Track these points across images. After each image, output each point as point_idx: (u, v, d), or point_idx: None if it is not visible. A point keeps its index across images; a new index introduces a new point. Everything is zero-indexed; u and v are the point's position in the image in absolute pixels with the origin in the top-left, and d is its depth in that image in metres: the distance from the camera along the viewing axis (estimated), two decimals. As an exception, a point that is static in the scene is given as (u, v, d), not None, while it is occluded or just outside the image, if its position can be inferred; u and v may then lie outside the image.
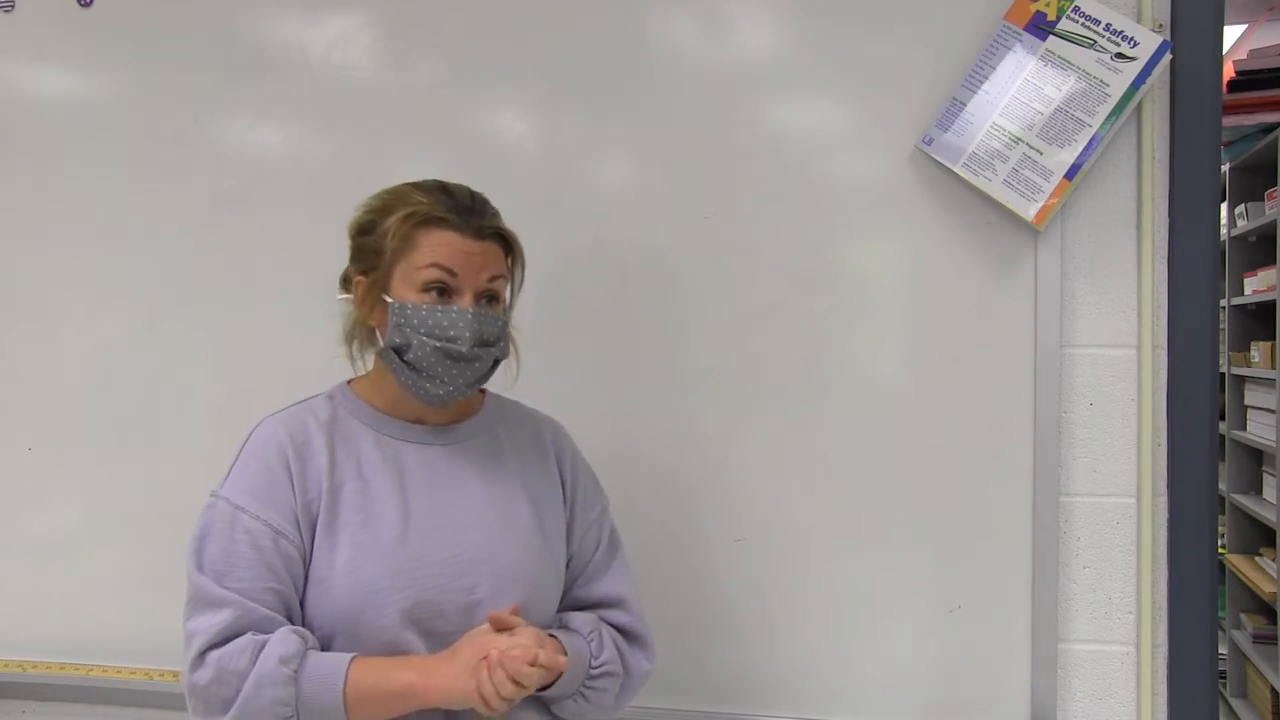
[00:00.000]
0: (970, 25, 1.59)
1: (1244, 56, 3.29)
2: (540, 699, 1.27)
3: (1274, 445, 3.14)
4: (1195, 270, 1.57)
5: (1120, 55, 1.53)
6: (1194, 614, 1.58)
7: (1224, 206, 3.50)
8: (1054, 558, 1.59)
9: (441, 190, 1.27)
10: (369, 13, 1.76)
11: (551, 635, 1.27)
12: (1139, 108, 1.56)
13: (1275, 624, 3.23)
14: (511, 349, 1.34)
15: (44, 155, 1.86)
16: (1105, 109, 1.53)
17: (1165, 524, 1.59)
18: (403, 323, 1.24)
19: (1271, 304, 3.21)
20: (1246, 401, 3.53)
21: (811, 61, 1.65)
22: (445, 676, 1.17)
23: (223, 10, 1.79)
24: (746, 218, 1.66)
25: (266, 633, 1.17)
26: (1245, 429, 3.53)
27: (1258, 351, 3.33)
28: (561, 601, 1.36)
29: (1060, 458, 1.60)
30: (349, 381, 1.35)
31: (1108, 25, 1.54)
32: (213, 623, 1.17)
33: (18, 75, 1.87)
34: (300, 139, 1.79)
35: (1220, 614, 3.29)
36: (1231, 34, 4.04)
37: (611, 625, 1.35)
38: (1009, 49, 1.57)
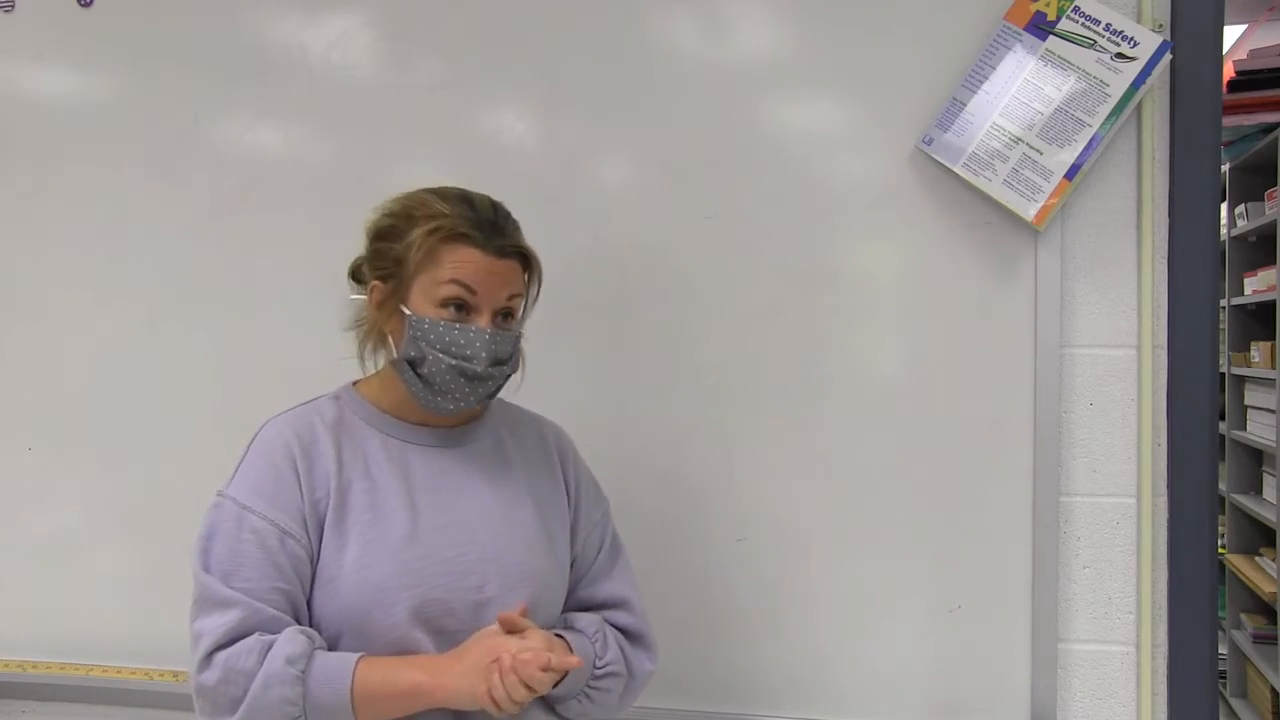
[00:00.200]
0: (970, 25, 1.59)
1: (1244, 56, 3.29)
2: (545, 698, 1.27)
3: (1274, 445, 3.14)
4: (1195, 270, 1.57)
5: (1120, 55, 1.53)
6: (1194, 614, 1.58)
7: (1224, 206, 3.50)
8: (1054, 558, 1.59)
9: (465, 202, 1.26)
10: (369, 13, 1.76)
11: (558, 636, 1.27)
12: (1139, 108, 1.56)
13: (1275, 624, 3.23)
14: (520, 362, 1.34)
15: (44, 155, 1.86)
16: (1105, 109, 1.53)
17: (1165, 524, 1.59)
18: (419, 336, 1.24)
19: (1271, 304, 3.21)
20: (1246, 401, 3.53)
21: (811, 61, 1.65)
22: (454, 676, 1.17)
23: (223, 10, 1.79)
24: (746, 218, 1.66)
25: (273, 633, 1.17)
26: (1245, 429, 3.53)
27: (1258, 351, 3.33)
28: (565, 603, 1.36)
29: (1060, 458, 1.60)
30: (355, 383, 1.35)
31: (1108, 25, 1.54)
32: (220, 623, 1.17)
33: (18, 75, 1.87)
34: (300, 139, 1.79)
35: (1220, 614, 3.29)
36: (1231, 34, 4.03)
37: (616, 626, 1.35)
38: (1009, 49, 1.57)
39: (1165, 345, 1.58)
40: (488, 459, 1.33)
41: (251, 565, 1.19)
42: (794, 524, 1.66)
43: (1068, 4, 1.55)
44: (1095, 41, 1.54)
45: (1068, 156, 1.54)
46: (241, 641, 1.16)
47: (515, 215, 1.31)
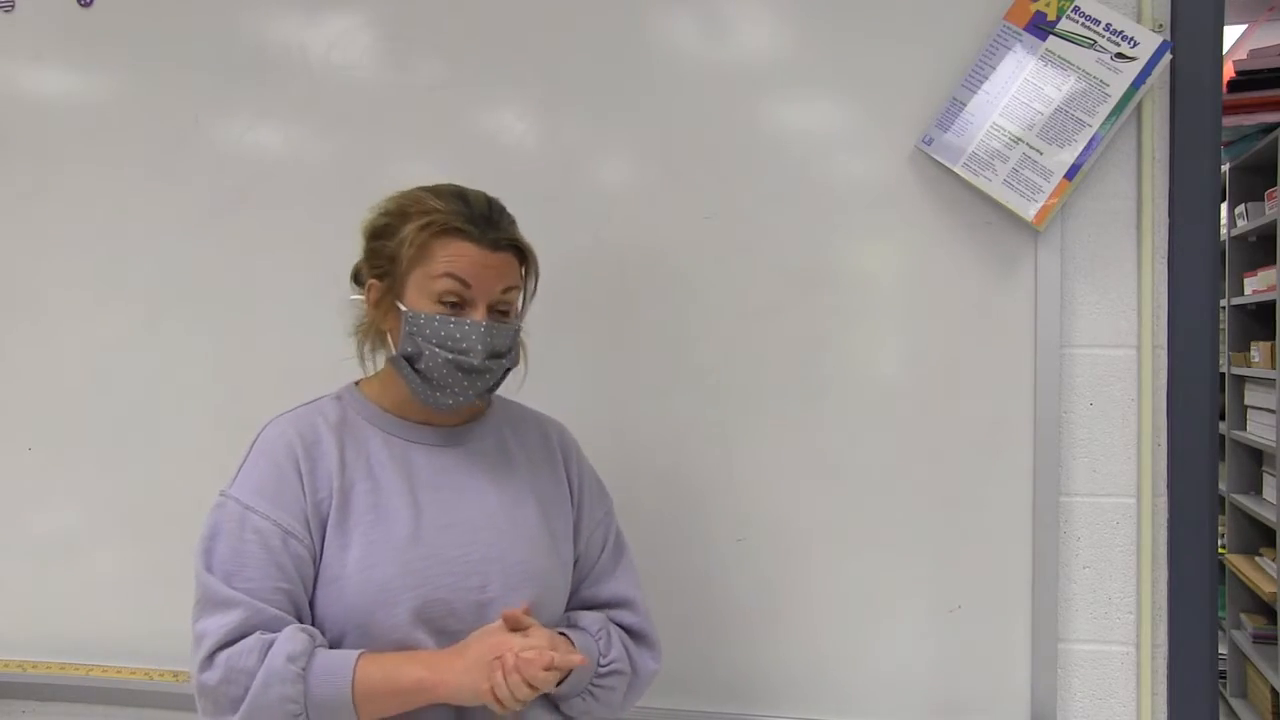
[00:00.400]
0: (970, 25, 1.59)
1: (1244, 56, 3.29)
2: (548, 696, 1.27)
3: (1274, 445, 3.14)
4: (1195, 270, 1.57)
5: (1120, 55, 1.53)
6: (1194, 614, 1.58)
7: (1224, 206, 3.50)
8: (1054, 558, 1.59)
9: (459, 198, 1.27)
10: (369, 13, 1.76)
11: (561, 634, 1.28)
12: (1139, 108, 1.56)
13: (1275, 624, 3.23)
14: (522, 355, 1.34)
15: (44, 155, 1.86)
16: (1105, 109, 1.53)
17: (1165, 524, 1.59)
18: (415, 332, 1.24)
19: (1271, 304, 3.21)
20: (1246, 401, 3.53)
21: (811, 61, 1.65)
22: (456, 673, 1.17)
23: (223, 10, 1.79)
24: (746, 218, 1.66)
25: (275, 632, 1.17)
26: (1245, 429, 3.53)
27: (1258, 351, 3.33)
28: (569, 602, 1.36)
29: (1060, 458, 1.60)
30: (357, 382, 1.35)
31: (1108, 25, 1.54)
32: (221, 623, 1.17)
33: (18, 75, 1.87)
34: (300, 139, 1.79)
35: (1220, 614, 3.29)
36: (1231, 34, 4.04)
37: (619, 625, 1.35)
38: (1009, 49, 1.57)
39: (1165, 345, 1.58)
40: (490, 458, 1.33)
41: (254, 565, 1.19)
42: (794, 524, 1.66)
43: (1068, 4, 1.55)
44: (1095, 41, 1.54)
45: (1068, 156, 1.54)
46: (243, 641, 1.16)
47: (515, 215, 1.31)
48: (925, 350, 1.63)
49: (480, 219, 1.25)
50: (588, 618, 1.33)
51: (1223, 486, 3.58)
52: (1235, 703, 3.54)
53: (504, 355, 1.28)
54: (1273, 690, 3.23)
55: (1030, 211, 1.55)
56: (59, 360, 1.86)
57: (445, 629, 1.23)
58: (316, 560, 1.23)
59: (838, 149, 1.65)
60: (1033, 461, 1.60)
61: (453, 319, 1.23)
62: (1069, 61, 1.55)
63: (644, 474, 1.68)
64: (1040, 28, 1.57)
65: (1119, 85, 1.53)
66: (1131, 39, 1.53)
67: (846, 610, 1.65)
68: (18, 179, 1.87)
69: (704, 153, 1.66)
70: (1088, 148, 1.54)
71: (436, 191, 1.27)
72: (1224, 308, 3.57)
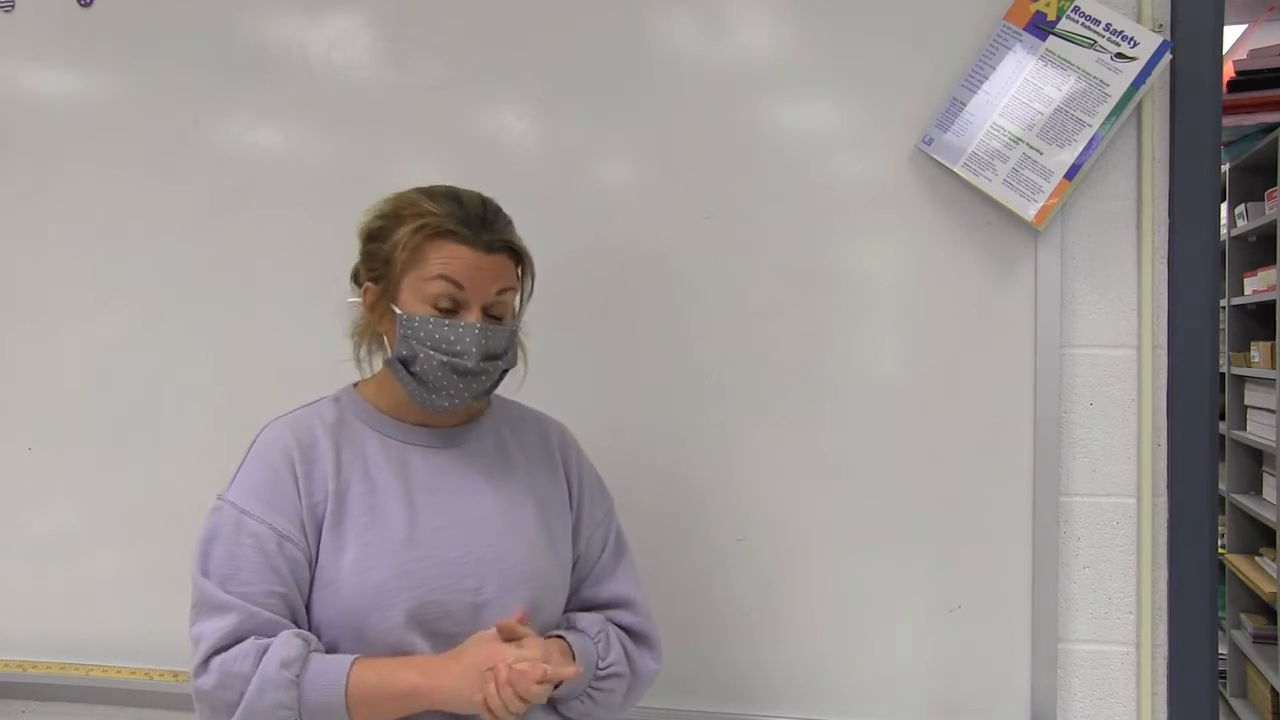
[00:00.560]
0: (970, 25, 1.59)
1: (1244, 56, 3.29)
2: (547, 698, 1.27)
3: (1274, 445, 3.14)
4: (1195, 270, 1.57)
5: (1120, 55, 1.53)
6: (1194, 614, 1.58)
7: (1224, 206, 3.50)
8: (1054, 558, 1.59)
9: (453, 199, 1.26)
10: (369, 13, 1.75)
11: (559, 636, 1.28)
12: (1139, 108, 1.56)
13: (1275, 624, 3.23)
14: (521, 355, 1.34)
15: (44, 155, 1.86)
16: (1105, 109, 1.53)
17: (1165, 524, 1.59)
18: (409, 335, 1.24)
19: (1271, 304, 3.21)
20: (1246, 401, 3.53)
21: (811, 62, 1.65)
22: (450, 679, 1.17)
23: (223, 10, 1.79)
24: (746, 218, 1.66)
25: (270, 636, 1.17)
26: (1245, 429, 3.53)
27: (1258, 351, 3.33)
28: (569, 602, 1.36)
29: (1060, 458, 1.60)
30: (355, 384, 1.35)
31: (1108, 25, 1.54)
32: (217, 627, 1.17)
33: (18, 75, 1.87)
34: (300, 139, 1.79)
35: (1220, 614, 3.29)
36: (1231, 34, 4.04)
37: (619, 626, 1.35)
38: (1009, 49, 1.57)
39: (1165, 345, 1.58)
40: (489, 458, 1.33)
41: (250, 569, 1.20)
42: (794, 524, 1.66)
43: (1068, 4, 1.55)
44: (1095, 41, 1.54)
45: (1068, 156, 1.54)
46: (238, 645, 1.17)
47: (515, 215, 1.31)
48: (925, 350, 1.63)
49: (474, 220, 1.24)
50: (586, 619, 1.33)
51: (1223, 486, 3.58)
52: (1235, 703, 3.54)
53: (499, 357, 1.27)
54: (1273, 690, 3.23)
55: (1030, 211, 1.55)
56: (59, 360, 1.86)
57: (440, 631, 1.22)
58: (312, 564, 1.23)
59: (838, 149, 1.65)
60: (1033, 461, 1.60)
61: (447, 322, 1.23)
62: (1069, 61, 1.55)
63: (644, 474, 1.67)
64: (1040, 28, 1.57)
65: (1119, 85, 1.53)
66: (1131, 39, 1.53)
67: (846, 610, 1.65)
68: (18, 179, 1.87)
69: (704, 153, 1.66)
70: (1088, 148, 1.54)
71: (430, 193, 1.27)
72: (1224, 308, 3.57)
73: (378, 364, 1.33)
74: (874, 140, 1.63)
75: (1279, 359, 3.11)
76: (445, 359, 1.23)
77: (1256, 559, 3.49)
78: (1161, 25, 1.56)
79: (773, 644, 1.67)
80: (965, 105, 1.58)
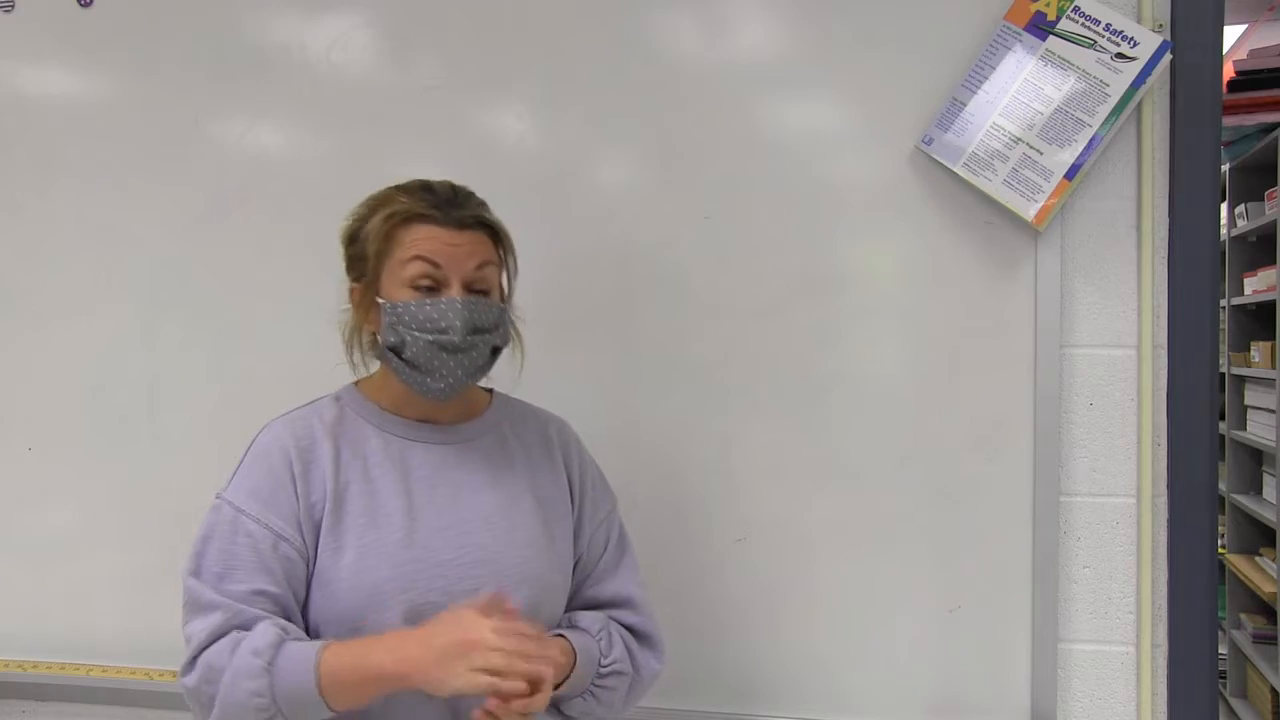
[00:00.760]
0: (970, 25, 1.59)
1: (1244, 56, 3.29)
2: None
3: (1274, 445, 3.14)
4: (1195, 270, 1.57)
5: (1120, 55, 1.53)
6: (1194, 614, 1.58)
7: (1224, 206, 3.50)
8: (1054, 558, 1.59)
9: (423, 188, 1.27)
10: (369, 12, 1.75)
11: (560, 635, 1.27)
12: (1139, 108, 1.56)
13: (1275, 624, 3.23)
14: (516, 339, 1.34)
15: (44, 155, 1.86)
16: (1105, 109, 1.53)
17: (1165, 524, 1.59)
18: (395, 321, 1.24)
19: (1271, 304, 3.21)
20: (1246, 401, 3.53)
21: (811, 61, 1.65)
22: (425, 665, 1.12)
23: (223, 10, 1.79)
24: (746, 218, 1.66)
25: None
26: (1245, 429, 3.53)
27: (1258, 351, 3.33)
28: (571, 601, 1.35)
29: (1060, 458, 1.60)
30: (356, 382, 1.35)
31: (1108, 25, 1.54)
32: (203, 626, 1.18)
33: (18, 75, 1.87)
34: (300, 139, 1.79)
35: (1220, 614, 3.29)
36: (1231, 34, 4.04)
37: (622, 625, 1.35)
38: (1009, 49, 1.57)
39: (1165, 345, 1.58)
40: (490, 456, 1.33)
41: (243, 568, 1.20)
42: (794, 524, 1.66)
43: (1068, 4, 1.55)
44: (1095, 41, 1.54)
45: (1068, 156, 1.54)
46: (220, 641, 1.17)
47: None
48: (925, 350, 1.63)
49: (443, 202, 1.25)
50: (588, 618, 1.33)
51: (1223, 486, 3.58)
52: (1235, 703, 3.54)
53: (488, 332, 1.26)
54: (1273, 690, 3.23)
55: (1030, 211, 1.55)
56: (59, 360, 1.86)
57: None
58: (309, 564, 1.23)
59: (838, 149, 1.65)
60: (1033, 461, 1.60)
61: (429, 301, 1.23)
62: (1069, 61, 1.55)
63: (644, 474, 1.67)
64: (1040, 28, 1.56)
65: (1119, 85, 1.53)
66: (1131, 39, 1.53)
67: (846, 610, 1.65)
68: (18, 178, 1.87)
69: (704, 153, 1.66)
70: (1088, 148, 1.54)
71: (401, 187, 1.28)
72: (1224, 308, 3.57)
73: (373, 366, 1.33)
74: (874, 140, 1.63)
75: (1279, 359, 3.11)
76: (432, 338, 1.22)
77: (1256, 559, 3.49)
78: (1161, 25, 1.56)
79: (772, 644, 1.67)
80: (965, 105, 1.58)
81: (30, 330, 1.87)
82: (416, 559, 1.22)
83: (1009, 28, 1.58)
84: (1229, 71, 3.20)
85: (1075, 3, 1.55)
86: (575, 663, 1.26)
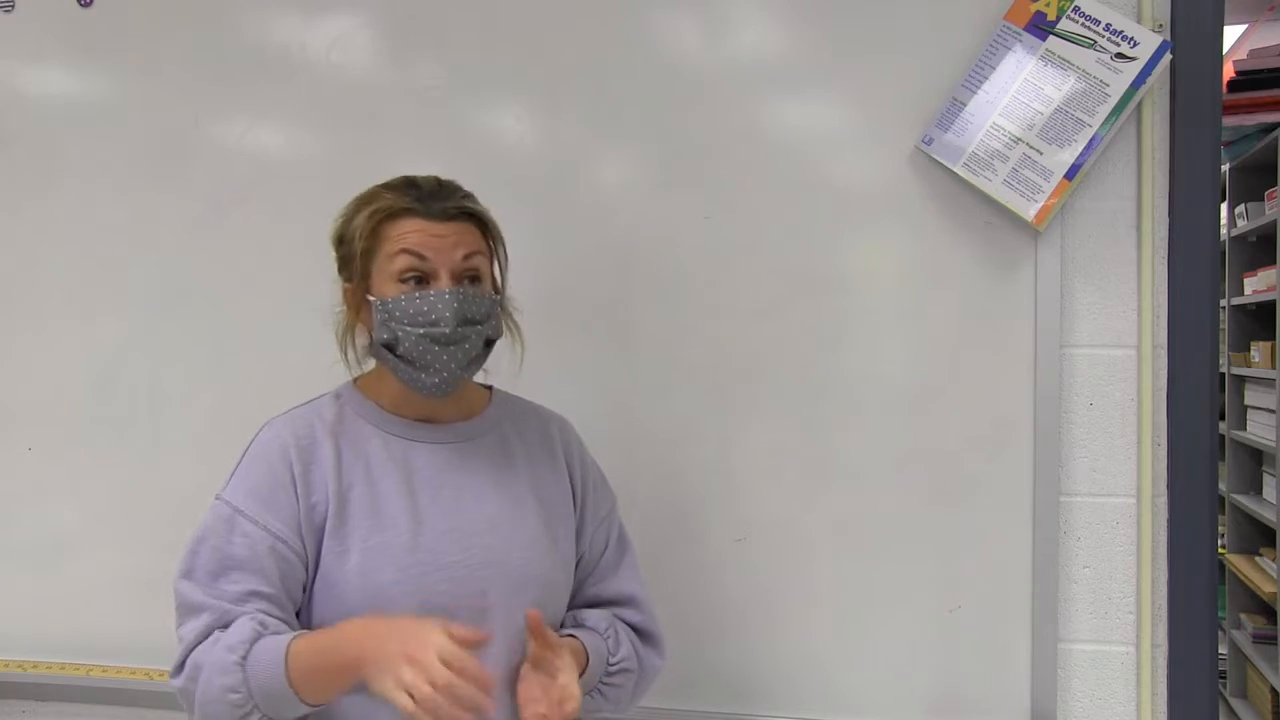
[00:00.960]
0: (970, 25, 1.59)
1: (1244, 56, 3.29)
2: None
3: (1274, 445, 3.14)
4: (1195, 270, 1.57)
5: (1120, 55, 1.53)
6: (1194, 614, 1.58)
7: (1224, 206, 3.50)
8: (1054, 558, 1.59)
9: (407, 183, 1.27)
10: (368, 13, 1.75)
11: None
12: (1139, 108, 1.56)
13: (1275, 624, 3.23)
14: (514, 332, 1.34)
15: (44, 155, 1.86)
16: (1105, 109, 1.53)
17: (1165, 524, 1.59)
18: (386, 317, 1.23)
19: (1271, 304, 3.21)
20: (1246, 401, 3.53)
21: (811, 61, 1.65)
22: (366, 659, 1.09)
23: (223, 10, 1.79)
24: (746, 218, 1.66)
25: None
26: (1245, 429, 3.53)
27: (1258, 351, 3.33)
28: (573, 600, 1.36)
29: (1060, 458, 1.60)
30: (355, 380, 1.35)
31: (1108, 25, 1.54)
32: (192, 628, 1.18)
33: (18, 75, 1.87)
34: (300, 139, 1.79)
35: (1220, 614, 3.29)
36: (1231, 34, 4.04)
37: (624, 623, 1.35)
38: (1009, 49, 1.57)
39: (1165, 345, 1.58)
40: (491, 456, 1.32)
41: (238, 569, 1.20)
42: (793, 524, 1.66)
43: (1068, 4, 1.55)
44: (1095, 41, 1.54)
45: (1068, 156, 1.54)
46: (206, 640, 1.17)
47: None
48: (925, 350, 1.63)
49: (426, 195, 1.25)
50: (594, 616, 1.33)
51: (1223, 486, 3.58)
52: (1235, 703, 3.54)
53: (480, 323, 1.25)
54: (1273, 690, 3.23)
55: (1030, 211, 1.55)
56: (59, 360, 1.86)
57: None
58: (309, 566, 1.22)
59: (838, 149, 1.65)
60: (1033, 461, 1.60)
61: (417, 294, 1.22)
62: (1069, 61, 1.55)
63: (644, 474, 1.67)
64: (1040, 28, 1.56)
65: (1119, 85, 1.53)
66: (1131, 39, 1.53)
67: (846, 610, 1.65)
68: (18, 178, 1.87)
69: (704, 153, 1.66)
70: (1088, 148, 1.54)
71: (387, 184, 1.28)
72: (1224, 308, 3.57)
73: (369, 365, 1.33)
74: (874, 140, 1.63)
75: (1279, 359, 3.11)
76: (423, 331, 1.22)
77: (1256, 559, 3.49)
78: (1161, 25, 1.56)
79: (772, 644, 1.67)
80: (965, 105, 1.58)
81: (30, 330, 1.87)
82: (422, 561, 1.22)
83: (1009, 28, 1.58)
84: (1229, 71, 3.20)
85: (1075, 3, 1.55)
86: (588, 663, 1.27)
